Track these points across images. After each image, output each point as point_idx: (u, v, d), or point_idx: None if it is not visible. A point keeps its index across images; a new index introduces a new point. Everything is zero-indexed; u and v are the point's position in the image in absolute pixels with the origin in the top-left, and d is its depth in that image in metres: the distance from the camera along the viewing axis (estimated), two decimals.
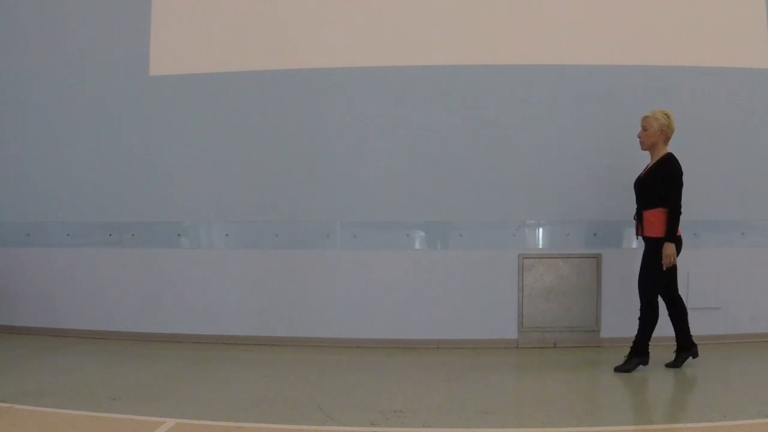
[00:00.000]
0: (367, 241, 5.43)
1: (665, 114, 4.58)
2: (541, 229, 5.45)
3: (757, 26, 5.37)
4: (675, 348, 4.66)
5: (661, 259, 4.43)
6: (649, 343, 4.57)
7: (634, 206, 4.67)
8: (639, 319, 4.59)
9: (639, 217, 4.62)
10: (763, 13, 5.38)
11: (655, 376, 4.41)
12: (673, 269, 4.54)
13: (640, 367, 4.53)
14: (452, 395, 4.00)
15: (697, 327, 5.29)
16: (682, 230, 4.44)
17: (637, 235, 4.67)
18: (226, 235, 5.61)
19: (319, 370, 4.64)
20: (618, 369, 4.55)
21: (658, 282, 4.54)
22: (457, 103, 5.44)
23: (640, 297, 4.58)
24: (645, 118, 4.62)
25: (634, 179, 4.70)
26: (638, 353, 4.57)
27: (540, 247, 5.44)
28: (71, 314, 5.72)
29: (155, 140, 5.67)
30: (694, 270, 5.29)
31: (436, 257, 5.43)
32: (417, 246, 5.47)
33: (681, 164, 4.48)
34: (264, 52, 5.55)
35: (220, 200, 5.60)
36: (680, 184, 4.47)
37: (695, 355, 4.65)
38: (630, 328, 5.25)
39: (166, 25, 5.66)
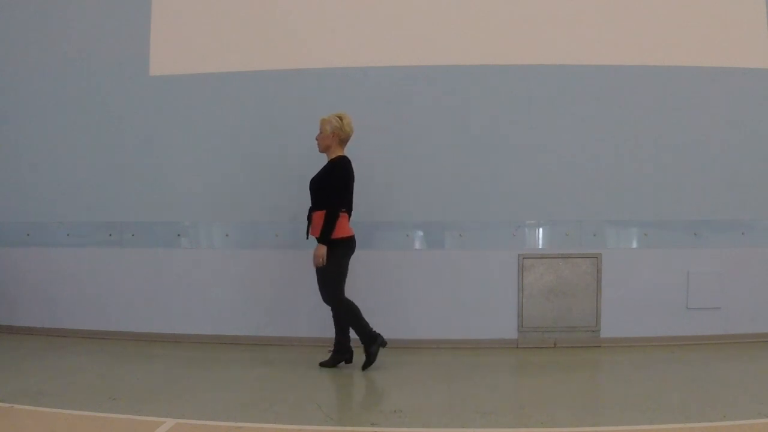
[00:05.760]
0: (368, 241, 5.42)
1: (338, 117, 4.63)
2: (541, 229, 5.45)
3: (757, 26, 5.37)
4: (331, 348, 4.73)
5: (326, 259, 4.45)
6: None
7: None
8: (333, 317, 4.66)
9: (309, 218, 4.68)
10: (763, 13, 5.37)
11: (655, 377, 4.41)
12: (338, 272, 4.56)
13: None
14: (452, 395, 4.00)
15: (697, 327, 5.31)
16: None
17: (307, 235, 4.71)
18: (226, 235, 5.61)
19: (318, 370, 4.64)
20: (322, 364, 4.66)
21: (327, 282, 4.56)
22: (458, 102, 5.44)
23: (323, 299, 4.62)
24: (321, 121, 4.68)
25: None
26: (341, 351, 4.67)
27: (540, 247, 5.43)
28: (71, 314, 5.71)
29: (155, 140, 5.67)
30: (694, 270, 5.29)
31: (436, 257, 5.42)
32: (417, 246, 5.47)
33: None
34: (264, 52, 5.55)
35: (220, 200, 5.60)
36: (341, 187, 4.52)
37: (348, 360, 4.70)
38: (630, 328, 5.27)
39: (166, 25, 5.66)
